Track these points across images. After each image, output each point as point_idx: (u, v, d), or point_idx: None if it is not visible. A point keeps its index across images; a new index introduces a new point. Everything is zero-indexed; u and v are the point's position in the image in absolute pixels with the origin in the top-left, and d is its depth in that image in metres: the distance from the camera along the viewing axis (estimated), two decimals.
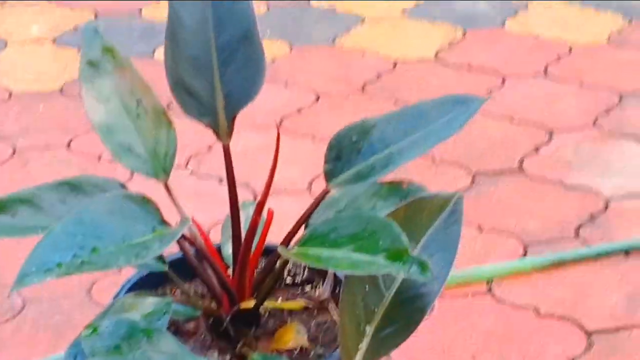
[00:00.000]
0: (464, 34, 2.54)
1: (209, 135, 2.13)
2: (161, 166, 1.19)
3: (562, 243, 1.75)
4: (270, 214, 1.15)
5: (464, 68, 2.37)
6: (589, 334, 1.53)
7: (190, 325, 1.20)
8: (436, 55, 2.44)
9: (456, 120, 1.08)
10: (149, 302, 1.06)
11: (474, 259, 1.71)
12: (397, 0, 2.72)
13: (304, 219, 1.14)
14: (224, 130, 1.11)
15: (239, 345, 1.16)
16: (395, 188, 1.16)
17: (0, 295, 1.62)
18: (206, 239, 1.14)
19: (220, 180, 1.93)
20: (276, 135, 1.14)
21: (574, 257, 1.70)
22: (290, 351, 1.15)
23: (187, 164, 2.00)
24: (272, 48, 2.46)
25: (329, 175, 1.12)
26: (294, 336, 1.15)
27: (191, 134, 2.08)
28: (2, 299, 1.61)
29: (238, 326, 1.17)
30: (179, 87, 1.10)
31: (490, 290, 1.64)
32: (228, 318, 1.15)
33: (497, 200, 1.88)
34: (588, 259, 1.70)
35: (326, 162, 1.13)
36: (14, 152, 2.03)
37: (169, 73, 1.10)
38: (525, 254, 1.73)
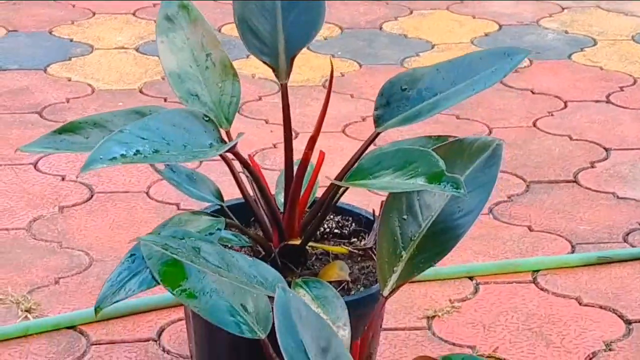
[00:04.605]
0: (531, 63, 2.61)
1: (274, 135, 2.22)
2: (224, 115, 1.28)
3: (610, 245, 1.79)
4: (322, 155, 1.23)
5: (528, 92, 2.44)
6: (628, 322, 1.57)
7: None
8: (501, 80, 2.51)
9: (501, 70, 1.15)
10: (204, 219, 1.14)
11: (521, 254, 1.76)
12: (467, 30, 2.81)
13: (354, 161, 1.21)
14: (283, 70, 1.20)
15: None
16: (443, 141, 1.23)
17: (69, 255, 1.71)
18: (259, 171, 1.22)
19: None
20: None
21: (620, 256, 1.74)
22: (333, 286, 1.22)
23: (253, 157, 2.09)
24: (342, 65, 2.57)
25: (378, 120, 1.20)
26: (337, 272, 1.22)
27: (260, 132, 2.19)
28: (70, 257, 1.71)
29: (285, 263, 1.25)
30: (245, 27, 1.19)
31: (534, 280, 1.69)
32: (277, 250, 1.22)
33: (549, 206, 1.93)
34: (634, 259, 1.74)
35: (376, 108, 1.21)
36: None
37: (235, 11, 1.19)
38: (572, 253, 1.77)
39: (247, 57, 2.61)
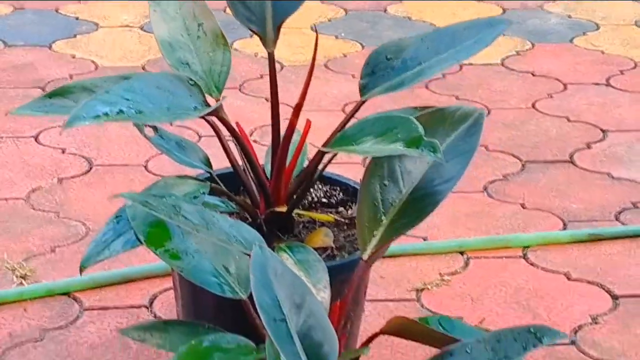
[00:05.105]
0: (533, 46, 2.62)
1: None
2: (215, 83, 1.30)
3: (602, 224, 1.81)
4: (308, 123, 1.25)
5: (528, 74, 2.45)
6: (615, 297, 1.59)
7: None
8: (502, 62, 2.52)
9: (483, 40, 1.17)
10: (190, 183, 1.16)
11: (513, 231, 1.78)
12: (471, 14, 2.83)
13: (339, 128, 1.23)
14: (270, 38, 1.22)
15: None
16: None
17: (65, 225, 1.74)
18: (246, 137, 1.24)
19: None
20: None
21: (610, 234, 1.76)
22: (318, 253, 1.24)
23: (252, 134, 2.11)
24: (345, 46, 2.58)
25: (363, 89, 1.22)
26: (322, 238, 1.24)
27: (260, 110, 2.21)
28: (67, 227, 1.73)
29: (272, 230, 1.27)
30: None
31: (525, 256, 1.70)
32: (263, 217, 1.24)
33: (543, 185, 1.95)
34: (625, 237, 1.76)
35: (361, 77, 1.23)
36: None
37: None
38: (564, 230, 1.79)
39: (251, 36, 2.63)
